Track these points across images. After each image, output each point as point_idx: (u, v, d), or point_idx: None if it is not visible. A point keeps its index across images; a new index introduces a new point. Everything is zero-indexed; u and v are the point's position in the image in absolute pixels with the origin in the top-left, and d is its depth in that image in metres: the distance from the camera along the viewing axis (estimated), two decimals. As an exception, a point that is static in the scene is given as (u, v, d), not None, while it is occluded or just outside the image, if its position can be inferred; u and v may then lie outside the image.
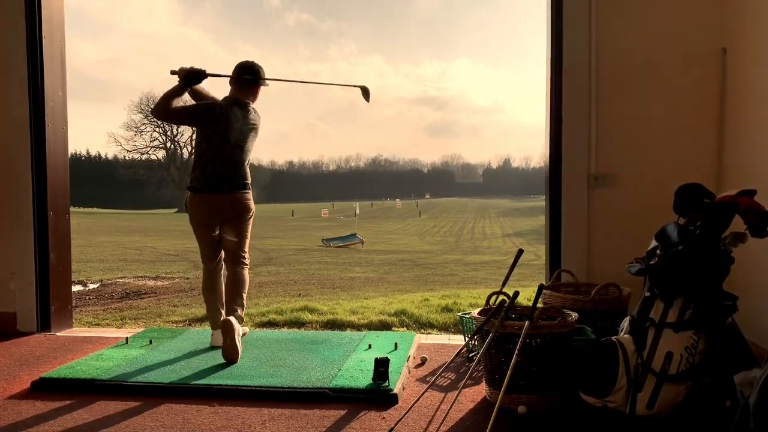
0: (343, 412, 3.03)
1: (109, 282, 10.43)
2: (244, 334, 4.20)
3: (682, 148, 4.23)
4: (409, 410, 2.97)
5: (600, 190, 4.31)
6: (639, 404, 2.81)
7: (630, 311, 3.22)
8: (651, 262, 3.02)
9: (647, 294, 2.97)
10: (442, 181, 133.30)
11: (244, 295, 4.15)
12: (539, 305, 3.06)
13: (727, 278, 2.90)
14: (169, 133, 69.62)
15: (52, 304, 4.80)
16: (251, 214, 4.24)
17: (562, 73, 4.31)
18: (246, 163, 4.20)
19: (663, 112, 4.24)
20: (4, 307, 4.78)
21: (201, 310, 6.23)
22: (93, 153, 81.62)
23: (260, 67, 4.23)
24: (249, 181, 4.21)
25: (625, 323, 3.06)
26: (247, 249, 4.24)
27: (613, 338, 2.95)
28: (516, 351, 2.83)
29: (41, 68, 4.71)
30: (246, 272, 4.21)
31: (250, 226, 4.25)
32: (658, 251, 3.02)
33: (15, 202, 4.73)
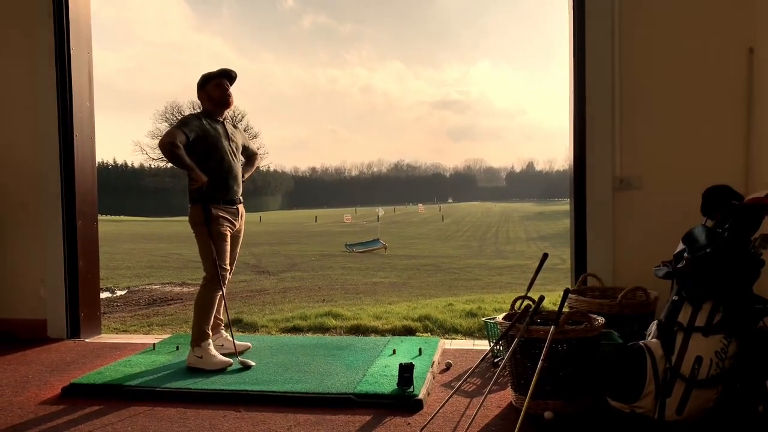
0: (368, 418, 3.03)
1: (137, 289, 10.59)
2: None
3: (709, 149, 4.15)
4: (434, 416, 2.97)
5: (625, 192, 4.25)
6: (668, 410, 2.77)
7: (657, 315, 3.17)
8: (678, 266, 2.97)
9: (675, 298, 2.93)
10: (464, 186, 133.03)
11: None
12: (565, 310, 3.04)
13: (757, 281, 2.84)
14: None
15: (81, 310, 4.88)
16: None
17: (586, 74, 4.27)
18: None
19: (689, 113, 4.18)
20: (34, 314, 4.88)
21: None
22: (119, 161, 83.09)
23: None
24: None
25: (653, 327, 3.02)
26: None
27: (641, 343, 2.91)
28: (542, 356, 2.81)
29: (69, 80, 4.81)
30: None
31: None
32: (685, 254, 2.97)
33: (44, 210, 4.84)
